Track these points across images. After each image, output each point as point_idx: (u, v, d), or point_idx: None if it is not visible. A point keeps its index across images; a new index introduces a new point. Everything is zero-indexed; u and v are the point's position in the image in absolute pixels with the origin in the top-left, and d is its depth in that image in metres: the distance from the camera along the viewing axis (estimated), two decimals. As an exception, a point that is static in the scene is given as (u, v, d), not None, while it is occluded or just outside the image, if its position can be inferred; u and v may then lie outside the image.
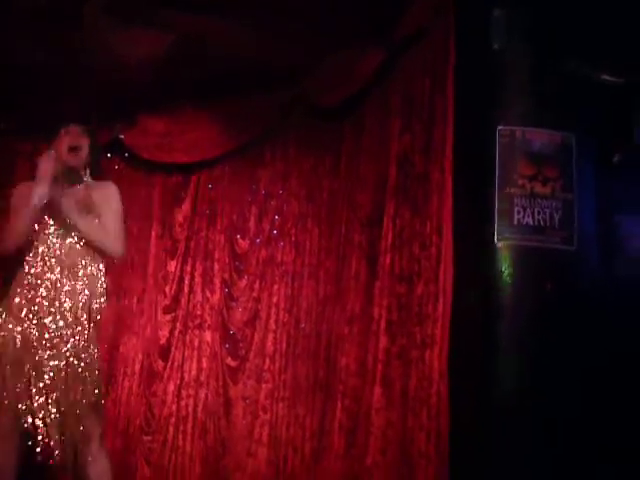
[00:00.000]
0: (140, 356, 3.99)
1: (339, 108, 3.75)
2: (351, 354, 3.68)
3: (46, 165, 2.48)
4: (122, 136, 3.98)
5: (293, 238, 4.04)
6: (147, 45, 3.59)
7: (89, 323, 2.54)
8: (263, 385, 3.98)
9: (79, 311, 2.51)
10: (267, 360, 4.00)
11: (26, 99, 3.45)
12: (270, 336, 4.02)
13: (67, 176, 2.57)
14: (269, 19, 3.32)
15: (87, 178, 2.61)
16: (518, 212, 3.34)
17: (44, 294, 2.50)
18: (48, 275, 2.51)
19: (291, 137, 4.01)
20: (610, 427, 3.02)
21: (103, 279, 2.65)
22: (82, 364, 2.51)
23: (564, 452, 2.92)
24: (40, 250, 2.52)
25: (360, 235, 3.72)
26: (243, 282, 4.11)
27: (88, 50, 3.28)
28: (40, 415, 2.40)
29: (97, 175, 2.65)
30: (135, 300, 4.04)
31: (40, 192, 2.45)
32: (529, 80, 3.31)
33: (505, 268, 3.29)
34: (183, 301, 4.06)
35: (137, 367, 3.97)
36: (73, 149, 2.56)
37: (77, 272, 2.54)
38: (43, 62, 3.32)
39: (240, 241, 4.15)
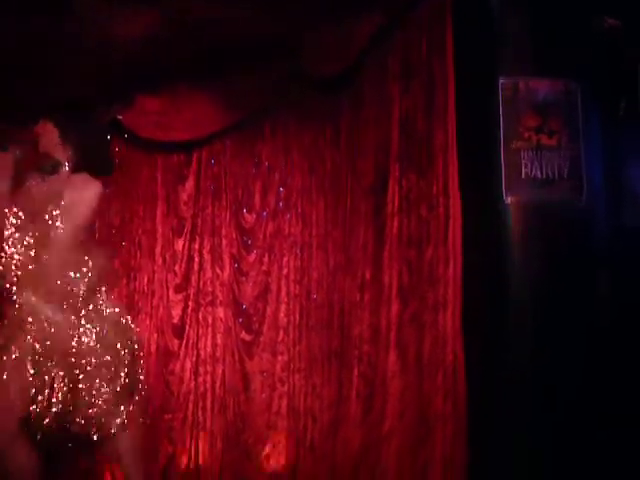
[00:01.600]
0: (155, 336, 4.00)
1: (337, 79, 3.72)
2: (364, 321, 3.69)
3: None
4: (120, 117, 3.94)
5: (299, 210, 4.03)
6: (139, 23, 3.54)
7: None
8: (279, 357, 4.00)
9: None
10: (281, 332, 4.02)
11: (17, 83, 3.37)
12: (282, 308, 4.04)
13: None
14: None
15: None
16: (525, 165, 3.30)
17: None
18: None
19: (290, 111, 3.98)
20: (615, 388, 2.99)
21: None
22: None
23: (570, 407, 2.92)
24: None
25: (365, 203, 3.72)
26: (252, 256, 4.11)
27: (80, 30, 3.23)
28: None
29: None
30: (146, 280, 4.05)
31: None
32: (528, 29, 3.25)
33: (515, 224, 3.27)
34: (193, 279, 4.06)
35: (153, 347, 3.99)
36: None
37: None
38: (36, 43, 3.24)
39: (246, 215, 4.14)
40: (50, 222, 2.46)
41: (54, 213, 2.47)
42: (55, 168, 2.48)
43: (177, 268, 4.07)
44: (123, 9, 3.31)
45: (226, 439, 3.92)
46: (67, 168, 2.53)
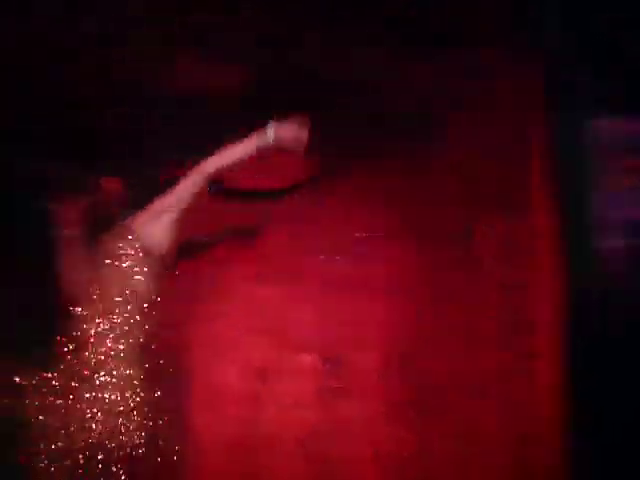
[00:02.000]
0: (238, 381, 3.98)
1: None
2: (450, 369, 3.63)
3: None
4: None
5: (383, 254, 4.01)
6: (226, 76, 3.62)
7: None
8: (368, 405, 3.93)
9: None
10: (370, 379, 3.96)
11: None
12: (370, 355, 3.98)
13: None
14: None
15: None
16: (619, 208, 3.20)
17: None
18: None
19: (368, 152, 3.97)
20: None
21: None
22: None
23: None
24: None
25: (452, 249, 3.70)
26: (337, 300, 4.08)
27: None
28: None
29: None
30: (227, 325, 4.05)
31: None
32: (620, 70, 3.17)
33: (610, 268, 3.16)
34: (277, 324, 4.04)
35: (236, 392, 3.97)
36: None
37: None
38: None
39: (329, 261, 4.12)
40: None
41: None
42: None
43: (260, 313, 4.06)
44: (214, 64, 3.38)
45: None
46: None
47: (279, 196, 4.11)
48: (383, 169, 4.04)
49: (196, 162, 3.91)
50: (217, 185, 3.90)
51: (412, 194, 3.94)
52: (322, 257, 4.12)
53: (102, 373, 2.38)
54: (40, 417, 2.38)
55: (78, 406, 2.39)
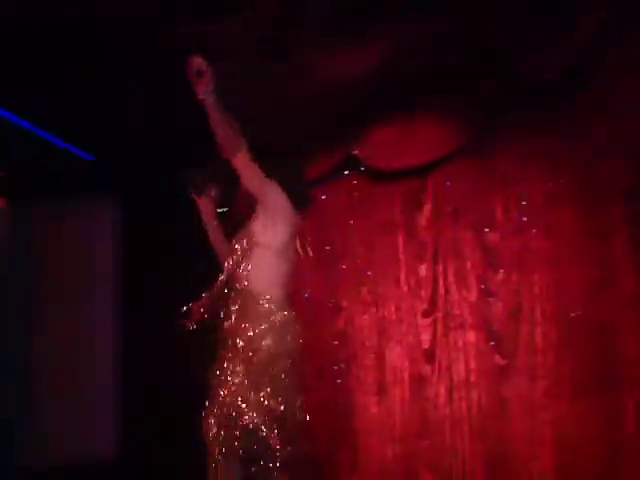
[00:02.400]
0: (406, 363, 4.02)
1: (565, 78, 3.43)
2: (632, 341, 3.31)
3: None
4: (356, 152, 4.10)
5: (545, 222, 3.77)
6: (362, 59, 3.67)
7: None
8: (538, 382, 3.75)
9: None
10: (539, 355, 3.77)
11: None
12: (538, 329, 3.79)
13: None
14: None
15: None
16: None
17: None
18: None
19: (522, 117, 3.76)
20: None
21: None
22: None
23: None
24: None
25: (621, 209, 3.38)
26: (499, 276, 3.93)
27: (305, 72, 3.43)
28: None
29: None
30: (393, 308, 4.10)
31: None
32: None
33: None
34: (440, 303, 4.01)
35: (405, 374, 4.01)
36: None
37: None
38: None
39: (489, 234, 3.97)
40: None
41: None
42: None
43: (423, 293, 4.05)
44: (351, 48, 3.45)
45: (488, 467, 3.76)
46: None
47: (429, 171, 4.07)
48: (543, 134, 3.81)
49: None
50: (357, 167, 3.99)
51: (572, 159, 3.65)
52: (486, 230, 4.00)
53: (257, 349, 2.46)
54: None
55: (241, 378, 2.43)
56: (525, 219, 3.86)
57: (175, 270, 4.33)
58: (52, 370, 5.03)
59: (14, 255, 5.00)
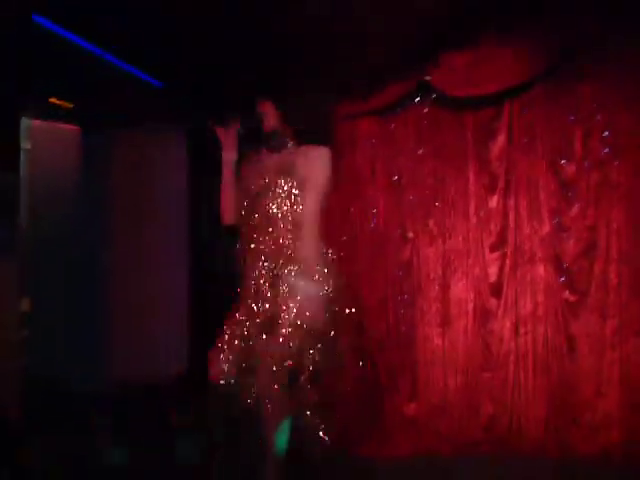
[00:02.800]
0: (472, 295, 3.97)
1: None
2: None
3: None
4: (428, 78, 3.94)
5: (629, 154, 3.57)
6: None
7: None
8: (609, 321, 3.65)
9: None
10: (611, 293, 3.65)
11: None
12: (612, 267, 3.66)
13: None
14: None
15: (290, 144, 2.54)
16: None
17: None
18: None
19: (608, 44, 3.50)
20: None
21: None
22: None
23: None
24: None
25: None
26: (574, 210, 3.79)
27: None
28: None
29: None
30: (460, 240, 4.02)
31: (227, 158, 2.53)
32: None
33: None
34: (510, 236, 3.90)
35: (470, 306, 3.97)
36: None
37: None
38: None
39: (565, 166, 3.80)
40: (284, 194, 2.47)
41: (287, 185, 2.46)
42: (281, 143, 2.53)
43: (492, 226, 3.95)
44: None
45: (550, 403, 3.73)
46: (292, 143, 2.53)
47: (504, 100, 3.88)
48: (629, 60, 3.57)
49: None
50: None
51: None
52: (562, 162, 3.82)
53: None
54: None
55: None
56: (607, 150, 3.66)
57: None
58: (124, 292, 5.25)
59: (87, 181, 5.16)
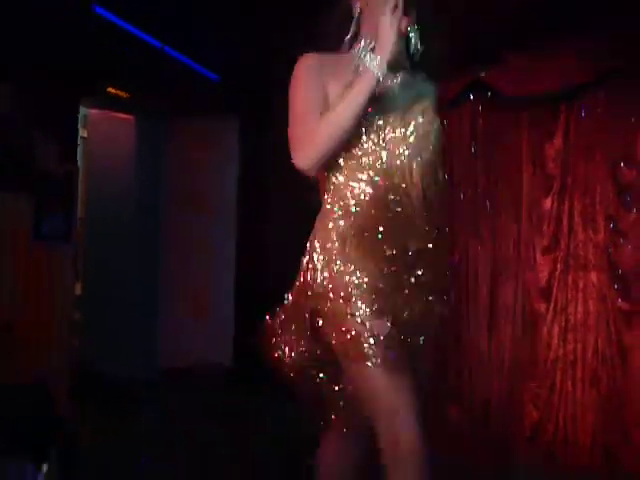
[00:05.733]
0: (520, 299, 3.88)
1: None
2: None
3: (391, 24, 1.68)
4: (483, 75, 3.86)
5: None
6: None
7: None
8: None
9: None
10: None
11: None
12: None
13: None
14: None
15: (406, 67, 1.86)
16: None
17: None
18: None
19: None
20: None
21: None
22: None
23: None
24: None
25: None
26: (632, 216, 3.65)
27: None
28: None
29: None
30: (511, 243, 3.93)
31: (381, 66, 1.68)
32: None
33: None
34: (563, 241, 3.80)
35: (518, 310, 3.88)
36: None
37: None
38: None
39: (625, 170, 3.67)
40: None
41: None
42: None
43: (545, 229, 3.85)
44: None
45: (599, 414, 3.62)
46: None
47: (563, 100, 3.77)
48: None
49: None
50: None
51: None
52: (621, 166, 3.70)
53: None
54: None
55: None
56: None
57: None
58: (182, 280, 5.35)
59: (142, 169, 5.27)
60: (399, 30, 1.71)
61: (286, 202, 4.61)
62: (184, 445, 3.64)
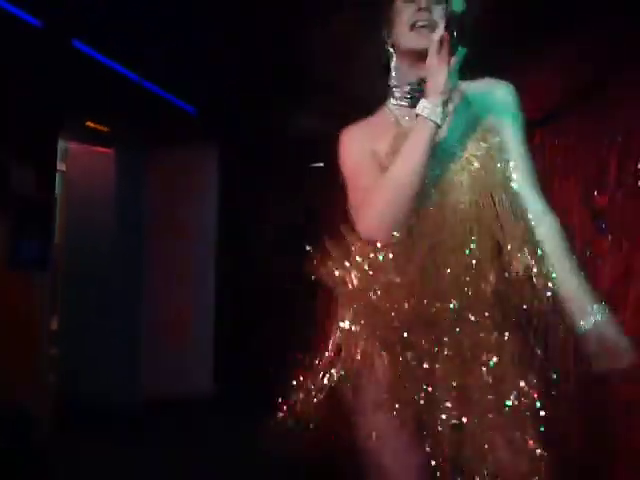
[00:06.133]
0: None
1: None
2: None
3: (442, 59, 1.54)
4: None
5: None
6: None
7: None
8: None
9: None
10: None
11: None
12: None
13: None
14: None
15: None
16: None
17: None
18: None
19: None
20: None
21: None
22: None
23: None
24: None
25: None
26: (605, 242, 3.67)
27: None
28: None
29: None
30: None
31: (435, 112, 1.54)
32: None
33: None
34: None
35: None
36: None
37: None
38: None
39: (597, 197, 3.71)
40: None
41: None
42: None
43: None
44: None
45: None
46: None
47: (537, 126, 3.82)
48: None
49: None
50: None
51: None
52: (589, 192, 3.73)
53: None
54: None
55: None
56: (640, 183, 3.55)
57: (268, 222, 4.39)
58: (159, 310, 5.32)
59: (121, 199, 5.26)
60: (449, 67, 1.56)
61: (265, 229, 4.62)
62: (168, 473, 3.59)
